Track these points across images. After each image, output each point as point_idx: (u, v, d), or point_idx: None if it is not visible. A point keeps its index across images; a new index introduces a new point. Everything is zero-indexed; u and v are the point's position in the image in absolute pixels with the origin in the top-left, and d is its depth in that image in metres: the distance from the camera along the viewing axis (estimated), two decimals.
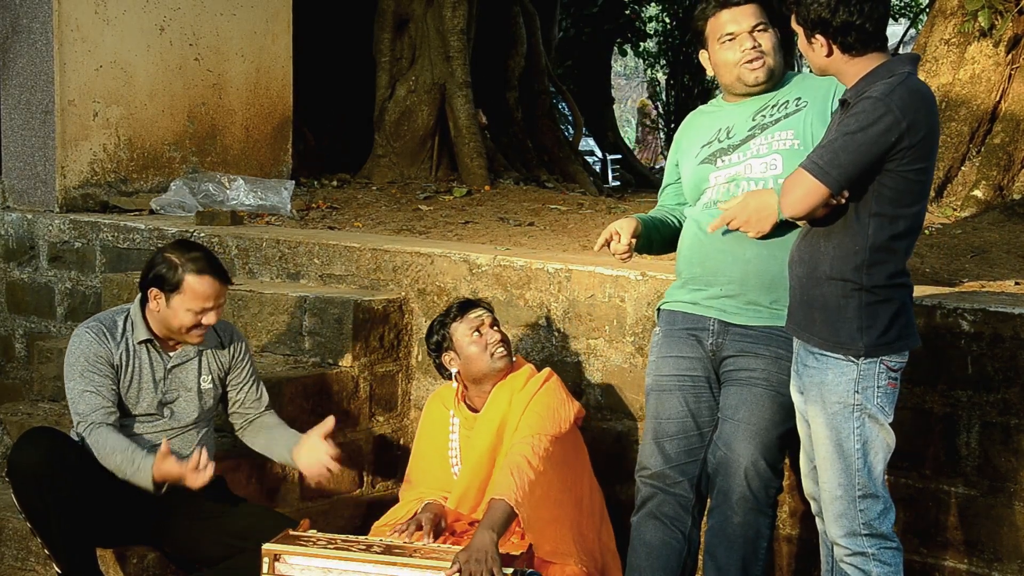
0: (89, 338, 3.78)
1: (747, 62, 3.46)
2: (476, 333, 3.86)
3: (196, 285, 3.71)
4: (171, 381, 3.86)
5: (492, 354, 3.86)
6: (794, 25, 3.11)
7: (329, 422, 3.87)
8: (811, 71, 3.31)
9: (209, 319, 3.75)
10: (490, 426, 3.84)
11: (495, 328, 3.89)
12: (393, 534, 3.71)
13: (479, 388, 3.92)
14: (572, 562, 3.72)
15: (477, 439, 3.86)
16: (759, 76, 3.47)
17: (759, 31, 3.46)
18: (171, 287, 3.72)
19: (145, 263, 3.89)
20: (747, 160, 3.48)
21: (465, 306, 3.95)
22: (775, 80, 3.52)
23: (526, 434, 3.72)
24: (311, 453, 3.84)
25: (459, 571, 3.37)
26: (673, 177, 3.78)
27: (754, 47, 3.45)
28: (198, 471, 3.56)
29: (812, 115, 3.44)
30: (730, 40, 3.46)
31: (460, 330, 3.89)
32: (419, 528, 3.68)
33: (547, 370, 3.94)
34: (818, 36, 3.04)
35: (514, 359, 3.93)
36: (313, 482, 3.92)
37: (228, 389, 3.99)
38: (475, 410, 3.94)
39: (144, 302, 3.81)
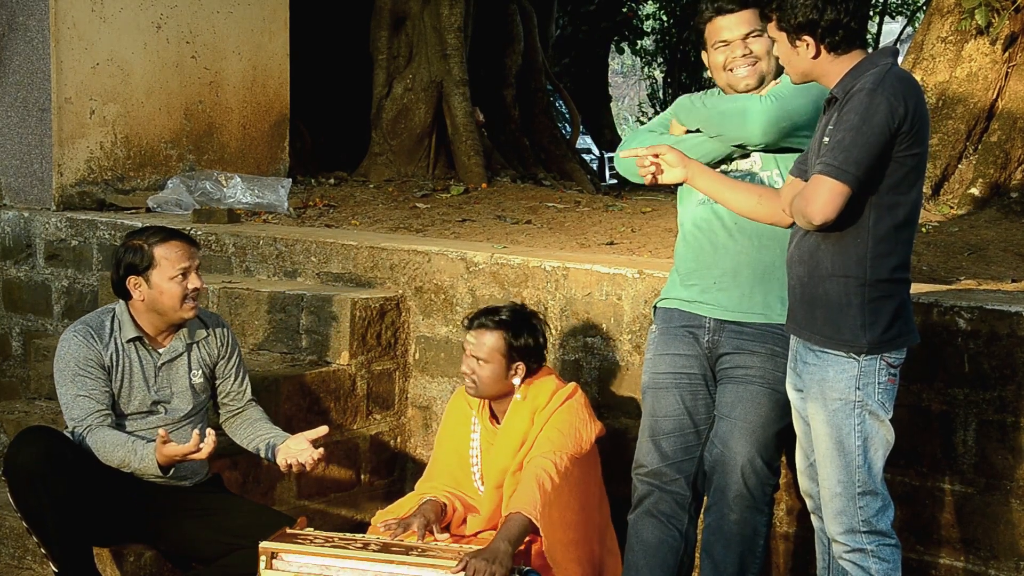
0: (77, 342, 3.76)
1: (737, 67, 3.52)
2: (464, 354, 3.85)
3: (167, 251, 3.75)
4: (162, 378, 3.86)
5: (465, 382, 3.86)
6: (773, 33, 3.12)
7: (322, 430, 3.85)
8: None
9: (193, 282, 3.77)
10: (511, 443, 3.80)
11: (475, 359, 3.80)
12: (380, 526, 3.71)
13: (495, 399, 3.90)
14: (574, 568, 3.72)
15: (498, 457, 3.82)
16: (749, 83, 3.53)
17: (753, 37, 3.52)
18: (145, 266, 3.74)
19: (111, 267, 3.87)
20: (736, 159, 3.54)
21: (472, 321, 3.87)
22: (768, 82, 3.56)
23: (547, 450, 3.70)
24: (294, 454, 3.82)
25: (464, 567, 3.37)
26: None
27: (745, 55, 3.51)
28: (200, 448, 3.55)
29: None
30: (724, 46, 3.53)
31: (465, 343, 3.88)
32: (406, 530, 3.67)
33: (572, 385, 3.89)
34: (805, 38, 3.05)
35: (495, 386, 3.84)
36: (284, 467, 3.87)
37: (216, 379, 3.99)
38: (496, 419, 3.90)
39: (127, 300, 3.81)
